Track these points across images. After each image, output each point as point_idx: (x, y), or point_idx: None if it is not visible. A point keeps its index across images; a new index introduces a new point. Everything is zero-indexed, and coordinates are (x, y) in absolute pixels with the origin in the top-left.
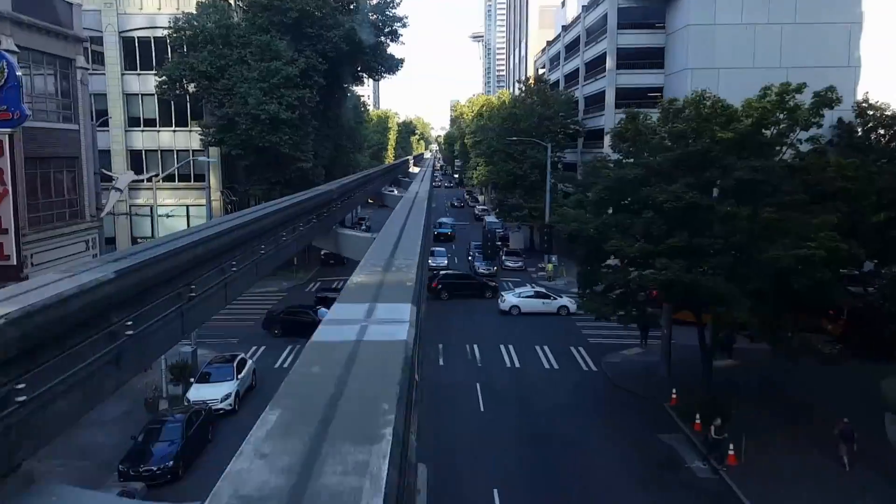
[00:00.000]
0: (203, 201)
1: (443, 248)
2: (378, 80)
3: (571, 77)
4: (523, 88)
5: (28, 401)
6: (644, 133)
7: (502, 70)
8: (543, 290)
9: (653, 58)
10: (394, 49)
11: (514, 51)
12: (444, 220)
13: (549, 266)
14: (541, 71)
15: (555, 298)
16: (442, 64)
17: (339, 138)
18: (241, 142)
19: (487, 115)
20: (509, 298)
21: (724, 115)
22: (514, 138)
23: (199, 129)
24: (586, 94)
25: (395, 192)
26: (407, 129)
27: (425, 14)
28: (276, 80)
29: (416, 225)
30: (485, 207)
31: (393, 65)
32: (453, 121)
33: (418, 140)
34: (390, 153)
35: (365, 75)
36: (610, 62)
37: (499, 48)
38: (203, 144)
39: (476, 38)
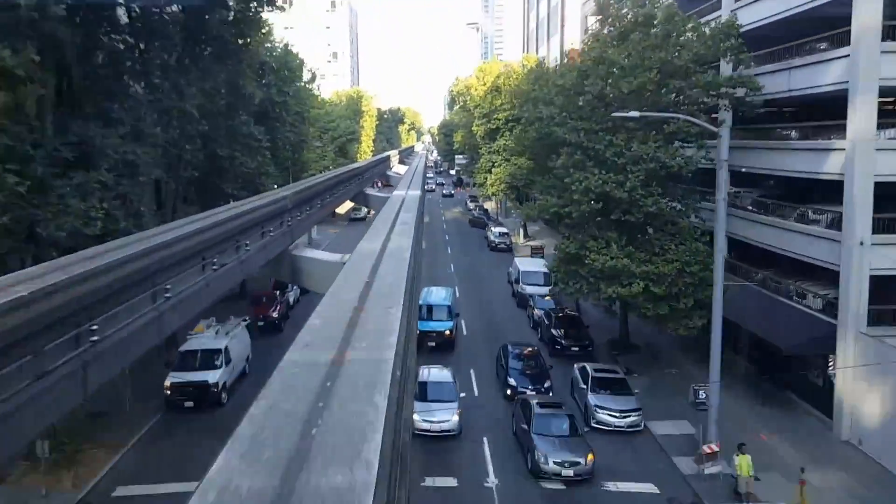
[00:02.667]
0: None
1: (444, 372)
2: None
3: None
4: (612, 15)
5: None
6: None
7: (501, 55)
8: None
9: None
10: None
11: (536, 2)
12: (435, 296)
13: (743, 463)
14: (591, 21)
15: None
16: (433, 55)
17: (232, 122)
18: None
19: (533, 78)
20: None
21: None
22: (634, 113)
23: None
24: (747, 24)
25: (323, 256)
26: (394, 118)
27: (413, 4)
28: None
29: None
30: (505, 231)
31: None
32: (454, 99)
33: (408, 131)
34: (366, 147)
35: None
36: None
37: (497, 32)
38: None
39: (472, 25)
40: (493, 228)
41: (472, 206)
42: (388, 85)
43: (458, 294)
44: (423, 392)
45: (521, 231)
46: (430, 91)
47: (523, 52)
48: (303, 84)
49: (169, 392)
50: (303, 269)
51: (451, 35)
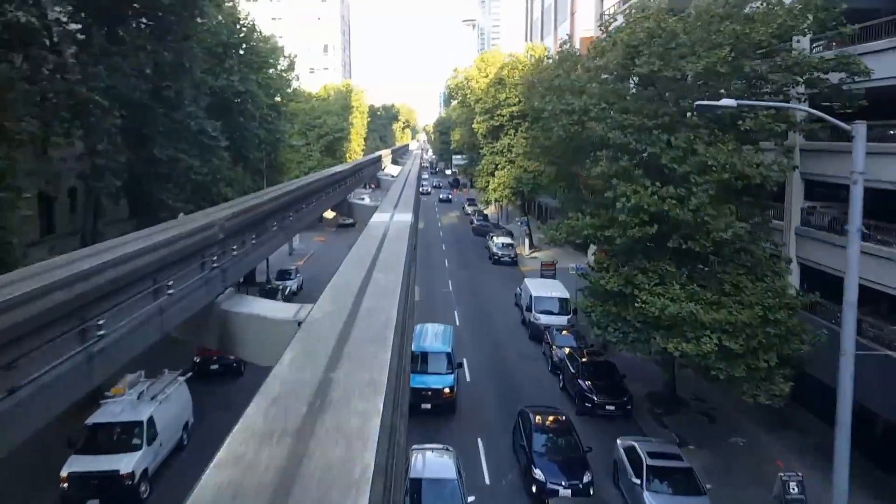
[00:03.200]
0: None
1: (445, 460)
2: None
3: None
4: None
5: None
6: None
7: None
8: None
9: None
10: None
11: None
12: (431, 338)
13: None
14: (607, 4)
15: None
16: (428, 53)
17: (176, 115)
18: None
19: (556, 61)
20: None
21: None
22: (729, 102)
23: None
24: None
25: (269, 312)
26: (388, 114)
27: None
28: None
29: None
30: (509, 241)
31: None
32: (451, 94)
33: (402, 129)
34: (356, 145)
35: None
36: None
37: (494, 28)
38: None
39: (468, 22)
40: (495, 238)
41: (469, 210)
42: (382, 81)
43: (458, 322)
44: (417, 497)
45: (527, 241)
46: (425, 89)
47: (527, 41)
48: (278, 72)
49: (66, 485)
50: (237, 332)
51: (446, 32)
